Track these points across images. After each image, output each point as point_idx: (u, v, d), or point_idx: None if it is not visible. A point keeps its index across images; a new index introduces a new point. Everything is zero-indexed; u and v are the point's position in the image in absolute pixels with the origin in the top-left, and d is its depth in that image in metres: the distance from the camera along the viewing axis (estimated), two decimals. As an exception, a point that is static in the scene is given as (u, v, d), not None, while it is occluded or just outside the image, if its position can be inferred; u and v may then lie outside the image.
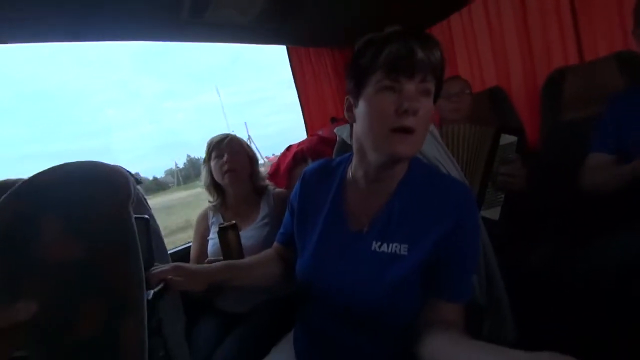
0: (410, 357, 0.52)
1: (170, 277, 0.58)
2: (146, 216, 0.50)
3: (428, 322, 0.55)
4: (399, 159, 0.58)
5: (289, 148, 1.44)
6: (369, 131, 0.57)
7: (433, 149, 0.79)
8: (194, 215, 1.49)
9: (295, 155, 1.33)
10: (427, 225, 0.58)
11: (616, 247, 0.87)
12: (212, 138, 1.21)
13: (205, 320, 1.11)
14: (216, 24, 1.14)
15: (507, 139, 1.07)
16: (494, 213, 1.05)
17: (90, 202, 0.38)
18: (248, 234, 1.12)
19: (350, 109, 0.62)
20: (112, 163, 0.43)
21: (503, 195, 1.06)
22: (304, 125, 1.87)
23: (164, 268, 0.59)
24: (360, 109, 0.58)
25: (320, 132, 1.43)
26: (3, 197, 0.35)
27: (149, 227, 0.51)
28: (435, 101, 0.59)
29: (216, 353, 0.94)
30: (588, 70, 1.26)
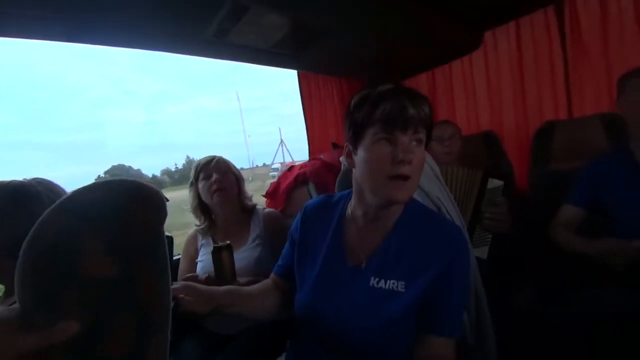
0: None
1: (181, 296, 0.59)
2: (170, 235, 0.51)
3: (420, 358, 0.57)
4: (396, 203, 0.63)
5: (290, 169, 1.47)
6: (368, 177, 0.62)
7: (436, 190, 0.84)
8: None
9: (297, 178, 1.36)
10: (423, 263, 0.61)
11: (593, 300, 0.93)
12: (199, 161, 1.22)
13: (191, 341, 1.08)
14: (237, 44, 1.19)
15: (494, 183, 1.14)
16: (482, 252, 1.10)
17: (130, 221, 0.38)
18: (240, 256, 1.11)
19: (349, 155, 0.67)
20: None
21: (490, 236, 1.12)
22: (306, 142, 1.91)
23: (175, 286, 0.60)
24: (359, 157, 0.63)
25: (322, 157, 1.47)
26: (47, 211, 0.36)
27: (172, 246, 0.52)
28: (426, 147, 0.65)
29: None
30: (576, 126, 1.37)
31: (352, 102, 0.65)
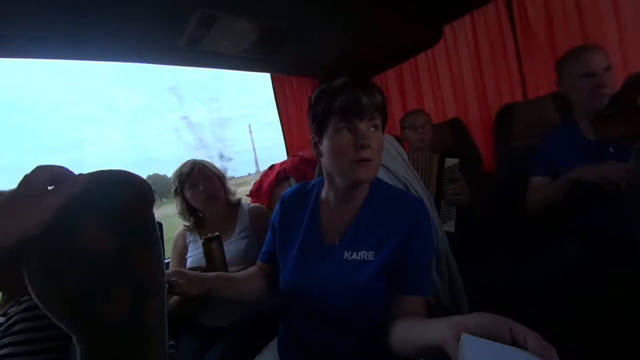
0: (382, 353, 0.61)
1: (174, 279, 0.64)
2: (160, 222, 0.57)
3: (394, 316, 0.64)
4: (362, 183, 0.71)
5: (271, 167, 1.53)
6: (335, 163, 0.69)
7: (402, 170, 0.92)
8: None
9: (278, 174, 1.41)
10: (388, 233, 0.69)
11: (552, 260, 1.02)
12: (180, 169, 1.23)
13: (186, 337, 1.12)
14: (209, 52, 1.24)
15: (450, 161, 1.28)
16: (449, 226, 1.22)
17: (120, 203, 0.44)
18: (227, 248, 1.14)
19: (316, 146, 0.74)
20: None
21: (454, 209, 1.24)
22: (284, 145, 1.97)
23: (167, 271, 0.65)
24: (325, 146, 0.70)
25: (301, 153, 1.53)
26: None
27: (162, 231, 0.57)
28: (383, 130, 0.73)
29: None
30: (531, 106, 1.49)
31: (313, 97, 0.72)
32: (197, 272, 0.74)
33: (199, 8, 1.01)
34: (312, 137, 0.75)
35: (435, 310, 0.85)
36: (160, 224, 0.56)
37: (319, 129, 0.70)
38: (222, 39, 1.18)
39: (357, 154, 0.65)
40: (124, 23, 1.00)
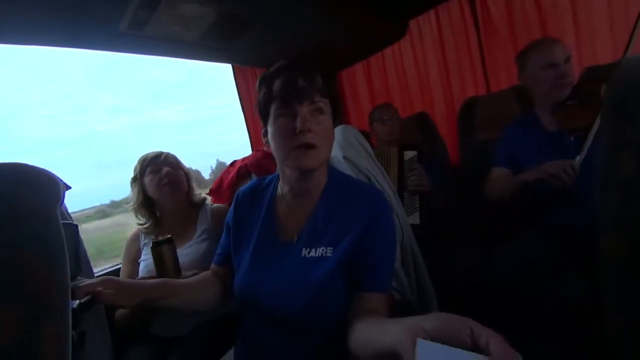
0: (342, 357, 0.55)
1: (99, 289, 0.55)
2: (75, 223, 0.48)
3: (354, 314, 0.59)
4: (307, 170, 0.65)
5: (232, 163, 1.45)
6: (278, 151, 0.66)
7: (365, 161, 0.88)
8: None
9: (239, 170, 1.34)
10: (346, 226, 0.64)
11: (516, 251, 1.03)
12: (146, 155, 1.17)
13: (137, 348, 1.02)
14: (157, 37, 1.14)
15: (409, 154, 1.31)
16: (414, 218, 1.23)
17: (12, 202, 0.37)
18: (185, 251, 1.08)
19: (265, 134, 0.70)
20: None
21: (417, 200, 1.26)
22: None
23: (92, 280, 0.56)
24: (270, 133, 0.67)
25: (265, 148, 1.46)
26: None
27: (77, 235, 0.49)
28: (335, 117, 0.69)
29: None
30: (493, 99, 1.52)
31: (256, 85, 0.69)
32: (130, 280, 0.65)
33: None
34: (262, 127, 0.70)
35: (400, 306, 0.82)
36: (75, 226, 0.47)
37: (263, 116, 0.68)
38: (172, 24, 1.08)
39: (298, 139, 0.61)
40: (54, 1, 0.88)
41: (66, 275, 0.39)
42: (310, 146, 0.62)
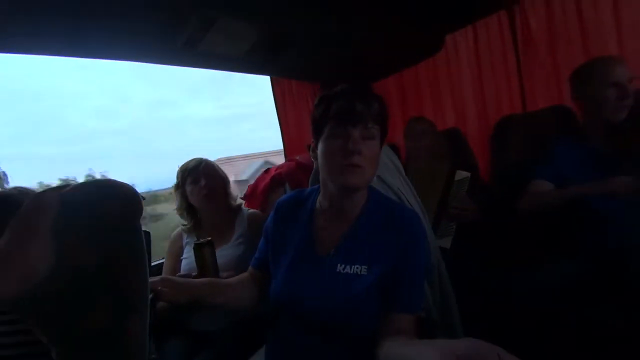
0: None
1: (159, 287, 0.63)
2: (147, 230, 0.56)
3: (384, 333, 0.63)
4: (351, 189, 0.70)
5: (267, 171, 1.52)
6: (326, 167, 0.70)
7: (397, 181, 0.91)
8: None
9: (273, 179, 1.41)
10: (383, 247, 0.68)
11: (549, 273, 1.02)
12: (186, 164, 1.25)
13: (175, 341, 1.11)
14: (208, 54, 1.24)
15: (461, 174, 1.21)
16: (446, 242, 1.17)
17: (106, 216, 0.44)
18: (223, 253, 1.15)
19: (314, 149, 0.75)
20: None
21: (454, 226, 1.19)
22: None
23: (153, 279, 0.64)
24: (320, 150, 0.71)
25: (298, 158, 1.52)
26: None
27: (150, 240, 0.57)
28: (382, 142, 0.73)
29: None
30: (530, 119, 1.48)
31: (315, 101, 0.74)
32: (185, 279, 0.73)
33: (198, 9, 1.00)
34: (313, 141, 0.75)
35: (424, 324, 0.84)
36: (147, 233, 0.55)
37: (316, 133, 0.72)
38: (221, 41, 1.17)
39: (347, 159, 0.65)
40: (121, 22, 1.00)
41: (146, 276, 0.46)
42: (357, 166, 0.66)
